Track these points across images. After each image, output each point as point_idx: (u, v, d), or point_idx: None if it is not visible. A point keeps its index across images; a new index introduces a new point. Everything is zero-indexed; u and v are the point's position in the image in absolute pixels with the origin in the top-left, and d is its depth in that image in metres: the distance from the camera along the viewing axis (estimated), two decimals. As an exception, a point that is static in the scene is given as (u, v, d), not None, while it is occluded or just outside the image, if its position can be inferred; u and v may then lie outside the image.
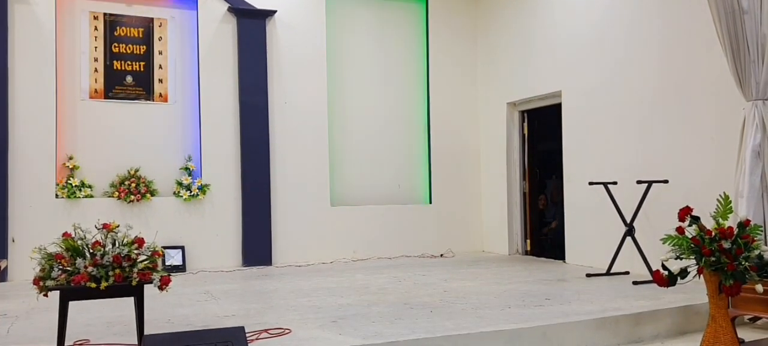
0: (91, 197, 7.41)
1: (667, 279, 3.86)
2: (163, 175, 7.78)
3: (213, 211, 7.90)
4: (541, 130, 8.76)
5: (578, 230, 7.50)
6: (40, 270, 3.60)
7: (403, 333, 3.99)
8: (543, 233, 8.96)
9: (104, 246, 3.68)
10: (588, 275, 6.44)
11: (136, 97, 7.78)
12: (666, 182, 6.19)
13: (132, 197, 7.48)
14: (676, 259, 3.92)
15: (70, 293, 3.62)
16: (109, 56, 7.69)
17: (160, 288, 3.70)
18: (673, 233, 3.94)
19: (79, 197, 7.32)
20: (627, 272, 6.52)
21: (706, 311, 4.10)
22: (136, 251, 3.72)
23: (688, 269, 3.85)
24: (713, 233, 3.80)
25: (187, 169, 7.85)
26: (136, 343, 3.84)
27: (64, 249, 3.64)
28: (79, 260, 3.56)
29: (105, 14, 7.68)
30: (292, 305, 5.16)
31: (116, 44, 7.72)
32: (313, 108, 8.42)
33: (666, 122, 6.36)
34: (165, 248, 7.30)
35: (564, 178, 7.73)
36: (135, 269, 3.67)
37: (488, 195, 9.18)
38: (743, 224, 3.82)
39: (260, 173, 8.04)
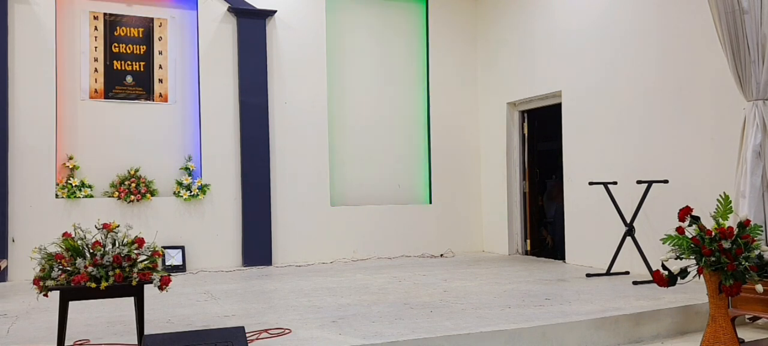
0: (91, 197, 7.41)
1: (667, 279, 3.86)
2: (163, 175, 7.78)
3: (213, 211, 7.90)
4: (541, 130, 8.76)
5: (578, 230, 7.50)
6: (40, 270, 3.60)
7: (403, 333, 3.99)
8: (541, 236, 8.96)
9: (104, 246, 3.67)
10: (588, 275, 6.44)
11: (136, 97, 7.78)
12: (666, 182, 6.19)
13: (132, 197, 7.48)
14: (676, 259, 3.92)
15: (70, 293, 3.62)
16: (109, 56, 7.69)
17: (160, 288, 3.70)
18: (673, 233, 3.94)
19: (79, 197, 7.32)
20: (627, 272, 6.52)
21: (706, 311, 4.11)
22: (136, 251, 3.72)
23: (688, 269, 3.86)
24: (713, 233, 3.80)
25: (187, 169, 7.85)
26: (136, 343, 3.84)
27: (64, 249, 3.64)
28: (79, 260, 3.56)
29: (105, 14, 7.68)
30: (292, 305, 5.16)
31: (116, 44, 7.72)
32: (313, 108, 8.42)
33: (666, 122, 6.36)
34: (165, 248, 7.31)
35: (564, 178, 7.73)
36: (135, 269, 3.67)
37: (488, 195, 9.19)
38: (743, 224, 3.82)
39: (260, 173, 8.04)
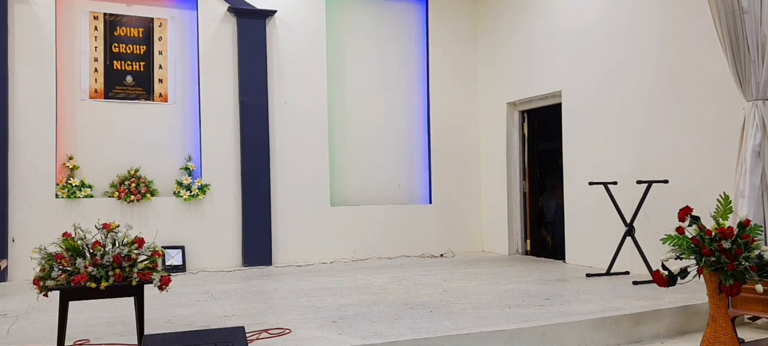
0: (91, 197, 7.41)
1: (667, 279, 3.86)
2: (163, 175, 7.78)
3: (213, 211, 7.90)
4: (541, 130, 8.76)
5: (578, 230, 7.50)
6: (40, 270, 3.60)
7: (403, 333, 3.99)
8: (541, 236, 8.96)
9: (104, 246, 3.67)
10: (588, 275, 6.44)
11: (136, 97, 7.78)
12: (666, 182, 6.19)
13: (132, 197, 7.48)
14: (676, 259, 3.92)
15: (70, 293, 3.62)
16: (109, 56, 7.69)
17: (160, 288, 3.70)
18: (673, 233, 3.94)
19: (79, 197, 7.32)
20: (627, 272, 6.52)
21: (706, 311, 4.10)
22: (136, 251, 3.72)
23: (688, 269, 3.86)
24: (713, 233, 3.80)
25: (187, 169, 7.85)
26: (136, 343, 3.84)
27: (64, 249, 3.64)
28: (79, 260, 3.56)
29: (105, 14, 7.68)
30: (292, 305, 5.16)
31: (116, 44, 7.72)
32: (313, 108, 8.42)
33: (666, 122, 6.36)
34: (165, 248, 7.30)
35: (564, 178, 7.73)
36: (135, 269, 3.67)
37: (488, 195, 9.19)
38: (743, 224, 3.82)
39: (260, 173, 8.04)
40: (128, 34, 7.78)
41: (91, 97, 7.60)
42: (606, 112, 7.08)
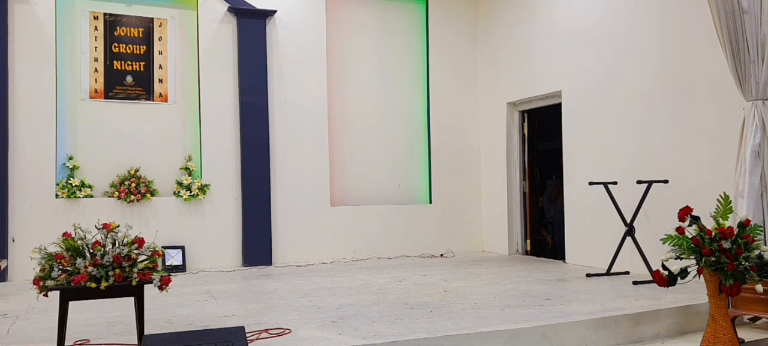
0: (91, 197, 7.41)
1: (667, 279, 3.86)
2: (163, 175, 7.78)
3: (213, 211, 7.90)
4: (541, 130, 8.76)
5: (578, 230, 7.50)
6: (40, 270, 3.60)
7: (403, 333, 3.99)
8: (541, 236, 8.96)
9: (104, 246, 3.67)
10: (588, 275, 6.44)
11: (136, 97, 7.78)
12: (666, 182, 6.19)
13: (132, 196, 7.48)
14: (676, 259, 3.92)
15: (70, 293, 3.62)
16: (109, 56, 7.69)
17: (160, 288, 3.70)
18: (673, 233, 3.94)
19: (79, 197, 7.32)
20: (627, 272, 6.52)
21: (706, 311, 4.11)
22: (136, 251, 3.72)
23: (688, 269, 3.86)
24: (713, 233, 3.81)
25: (187, 169, 7.85)
26: (136, 343, 3.84)
27: (64, 249, 3.64)
28: (79, 260, 3.56)
29: (105, 14, 7.68)
30: (292, 305, 5.16)
31: (116, 44, 7.72)
32: (313, 108, 8.42)
33: (666, 122, 6.37)
34: (165, 248, 7.31)
35: (564, 178, 7.73)
36: (135, 269, 3.67)
37: (488, 195, 9.19)
38: (743, 224, 3.82)
39: (260, 172, 8.04)
40: (128, 34, 7.78)
41: (91, 97, 7.60)
42: (606, 112, 7.08)
